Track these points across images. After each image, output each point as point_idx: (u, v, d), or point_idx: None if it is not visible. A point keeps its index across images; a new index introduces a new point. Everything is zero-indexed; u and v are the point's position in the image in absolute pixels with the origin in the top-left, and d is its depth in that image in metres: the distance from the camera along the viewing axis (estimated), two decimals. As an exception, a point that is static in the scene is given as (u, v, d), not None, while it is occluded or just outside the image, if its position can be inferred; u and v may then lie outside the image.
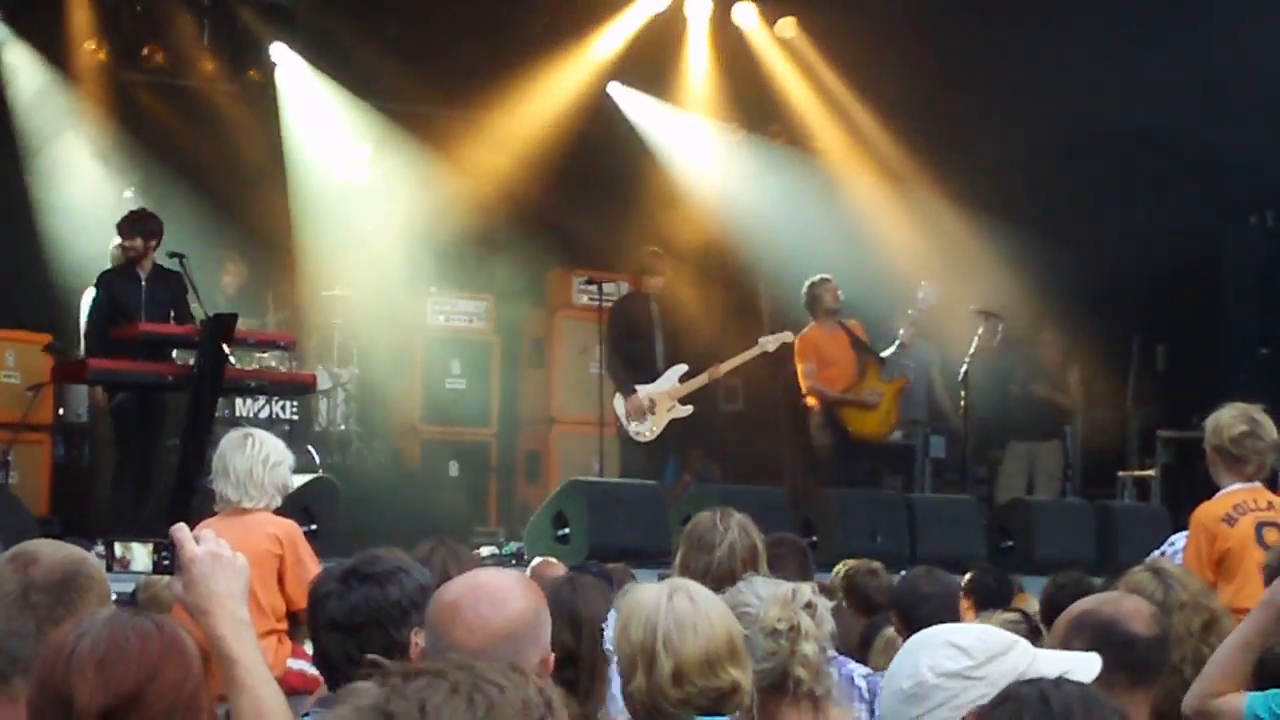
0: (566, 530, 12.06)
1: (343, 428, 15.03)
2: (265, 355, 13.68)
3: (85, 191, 15.02)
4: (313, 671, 5.84)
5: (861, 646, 7.14)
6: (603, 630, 4.53)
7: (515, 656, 3.42)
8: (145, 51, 15.85)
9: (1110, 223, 15.30)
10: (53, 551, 3.67)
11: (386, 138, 16.29)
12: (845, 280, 14.33)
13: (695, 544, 5.95)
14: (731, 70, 17.20)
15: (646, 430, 13.70)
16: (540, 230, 15.83)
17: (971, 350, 14.58)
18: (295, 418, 14.34)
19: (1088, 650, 3.60)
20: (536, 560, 8.70)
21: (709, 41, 17.22)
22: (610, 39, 16.97)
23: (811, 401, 14.11)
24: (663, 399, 13.75)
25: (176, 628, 3.09)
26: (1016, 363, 15.75)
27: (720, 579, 5.09)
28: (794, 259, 15.34)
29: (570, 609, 4.89)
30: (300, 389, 13.61)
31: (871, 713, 5.35)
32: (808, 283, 14.19)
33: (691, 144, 17.43)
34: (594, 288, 13.77)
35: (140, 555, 3.56)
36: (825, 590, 5.26)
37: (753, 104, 17.39)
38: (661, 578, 4.62)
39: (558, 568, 7.73)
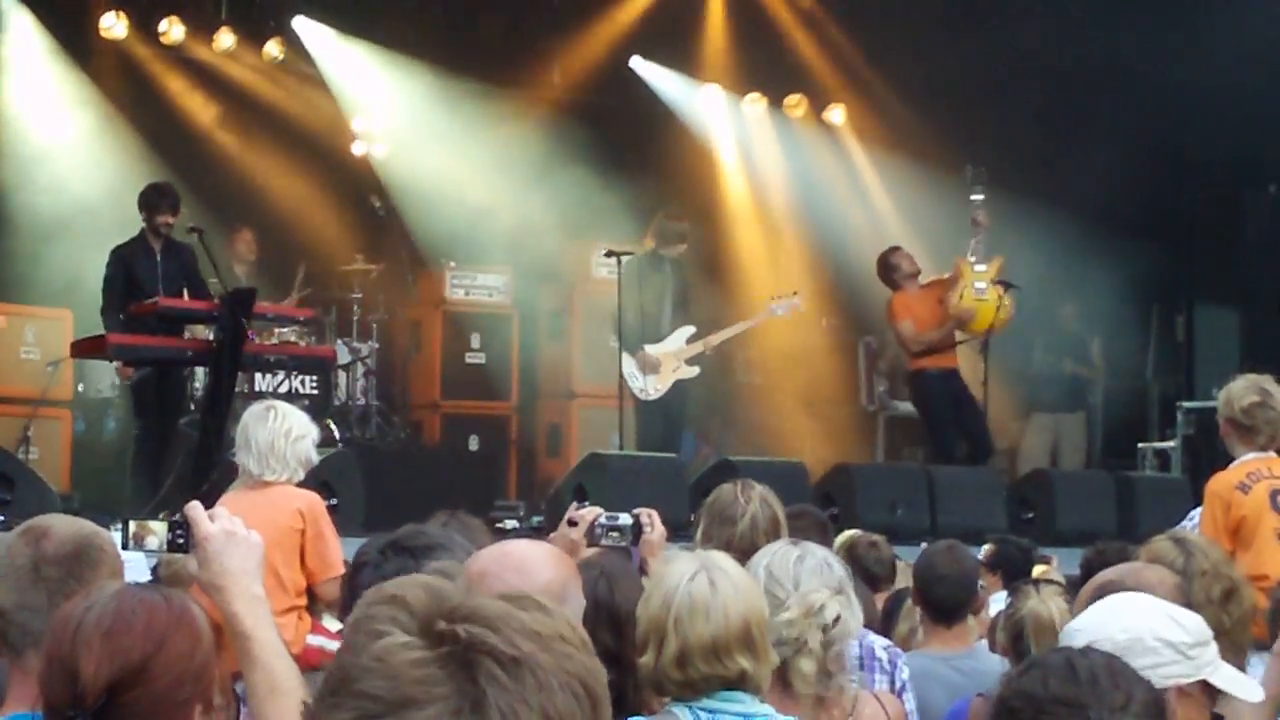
0: (587, 503, 12.02)
1: (362, 402, 15.03)
2: (285, 330, 13.68)
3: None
4: (332, 647, 5.80)
5: (885, 618, 7.13)
6: None
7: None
8: (163, 26, 15.80)
9: (1129, 192, 15.21)
10: (64, 525, 3.66)
11: (408, 108, 16.26)
12: (858, 248, 14.21)
13: (717, 516, 5.94)
14: (753, 39, 17.19)
15: (651, 388, 13.61)
16: (559, 203, 15.78)
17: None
18: (315, 392, 14.35)
19: None
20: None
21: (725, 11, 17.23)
22: (630, 9, 16.98)
23: (920, 363, 13.66)
24: (668, 359, 13.68)
25: (186, 600, 3.08)
26: (1036, 334, 15.70)
27: (743, 551, 5.04)
28: (819, 224, 15.26)
29: (609, 608, 4.44)
30: (320, 364, 13.61)
31: (892, 683, 5.34)
32: (881, 254, 14.01)
33: (712, 115, 17.42)
34: (613, 260, 13.70)
35: (158, 532, 3.54)
36: None
37: (772, 73, 17.37)
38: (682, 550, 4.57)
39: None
